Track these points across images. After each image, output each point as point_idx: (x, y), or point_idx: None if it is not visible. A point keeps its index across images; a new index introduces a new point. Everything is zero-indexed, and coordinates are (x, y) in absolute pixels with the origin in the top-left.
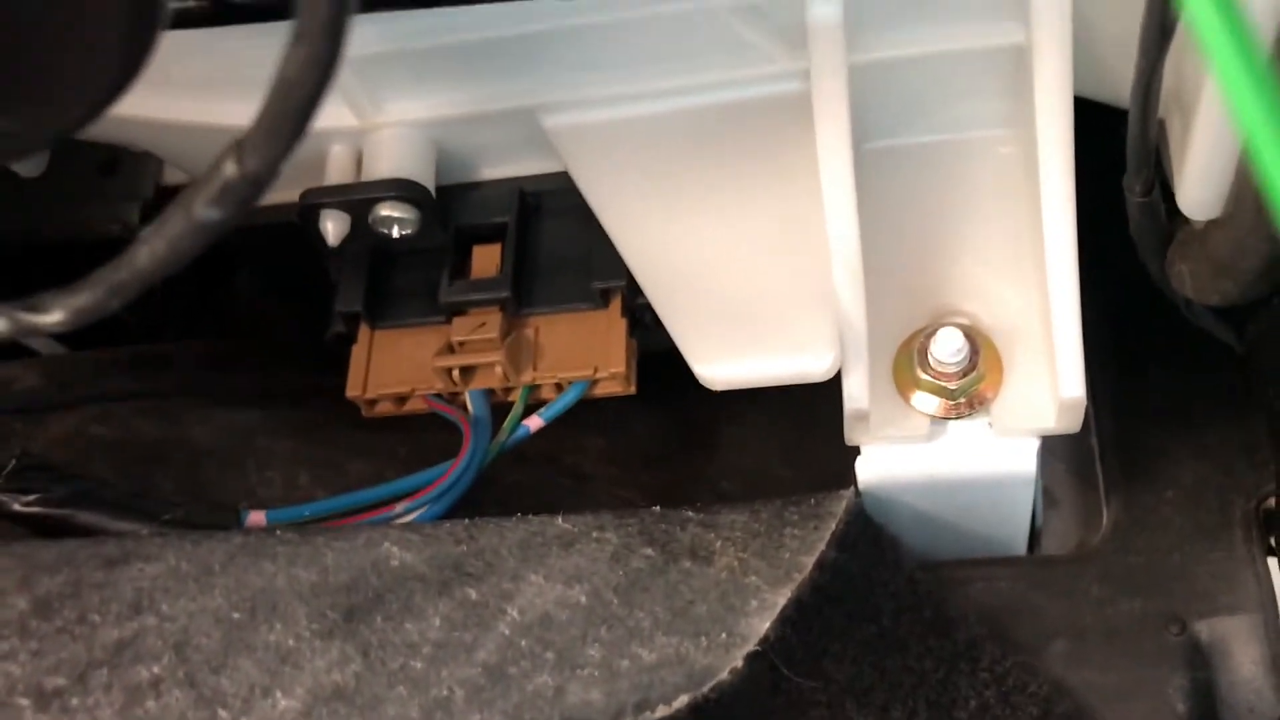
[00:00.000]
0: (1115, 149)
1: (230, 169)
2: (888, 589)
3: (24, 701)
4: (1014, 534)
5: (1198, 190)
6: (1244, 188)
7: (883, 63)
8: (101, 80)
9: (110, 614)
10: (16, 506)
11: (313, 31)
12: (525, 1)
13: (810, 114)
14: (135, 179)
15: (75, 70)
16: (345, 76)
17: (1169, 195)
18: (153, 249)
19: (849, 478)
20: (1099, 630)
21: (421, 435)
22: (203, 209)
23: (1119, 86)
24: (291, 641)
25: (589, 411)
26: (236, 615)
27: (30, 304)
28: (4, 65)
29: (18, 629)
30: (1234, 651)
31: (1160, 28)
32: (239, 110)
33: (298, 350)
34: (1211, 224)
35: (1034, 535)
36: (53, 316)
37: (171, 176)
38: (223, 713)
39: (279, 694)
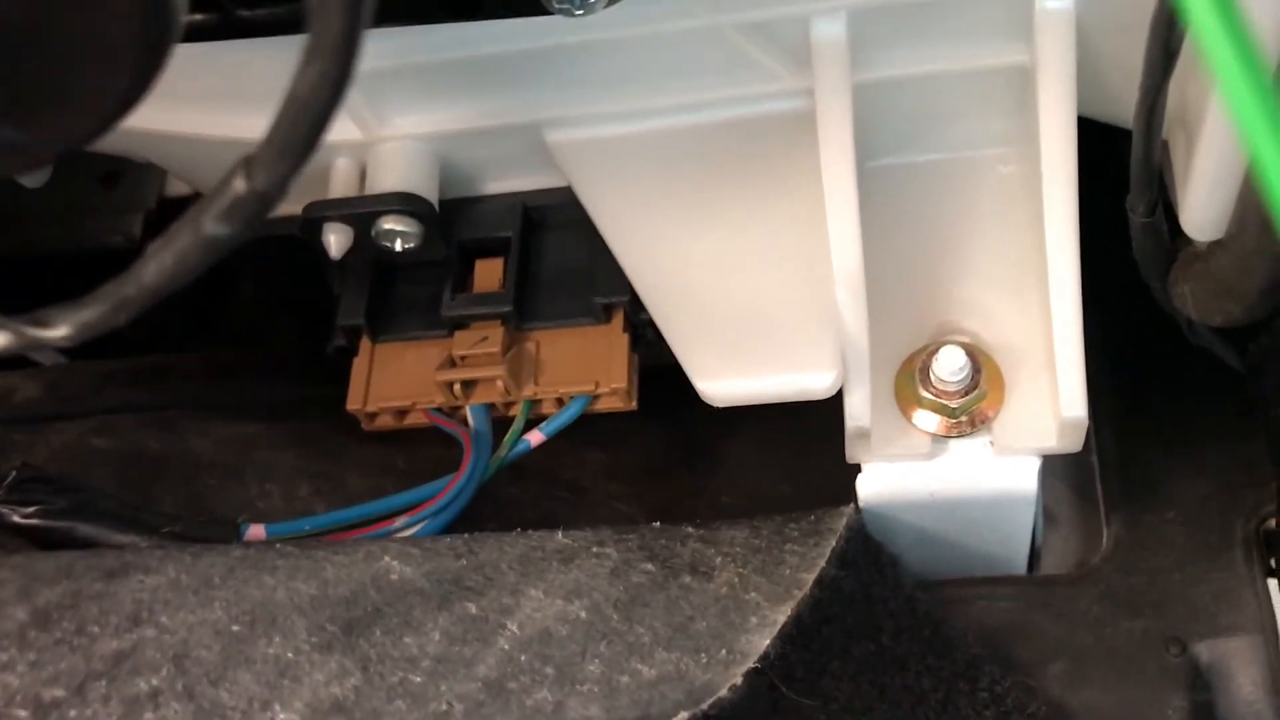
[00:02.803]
0: (1117, 168)
1: (239, 185)
2: (887, 607)
3: (22, 713)
4: (1014, 553)
5: (1201, 211)
6: (1247, 208)
7: (887, 81)
8: (114, 93)
9: (109, 625)
10: (16, 518)
11: (325, 49)
12: (530, 18)
13: (814, 131)
14: (137, 191)
15: (88, 82)
16: (350, 91)
17: (1171, 216)
18: (160, 264)
19: (849, 494)
20: (1099, 650)
21: (420, 449)
22: (211, 224)
23: (1121, 107)
24: (290, 655)
25: (588, 426)
26: (236, 628)
27: (36, 318)
28: (15, 75)
29: (16, 640)
30: (1234, 673)
31: (1165, 49)
32: (245, 123)
33: (298, 362)
34: (1215, 244)
35: (1034, 554)
36: (58, 331)
37: (174, 188)
38: None
39: (277, 707)
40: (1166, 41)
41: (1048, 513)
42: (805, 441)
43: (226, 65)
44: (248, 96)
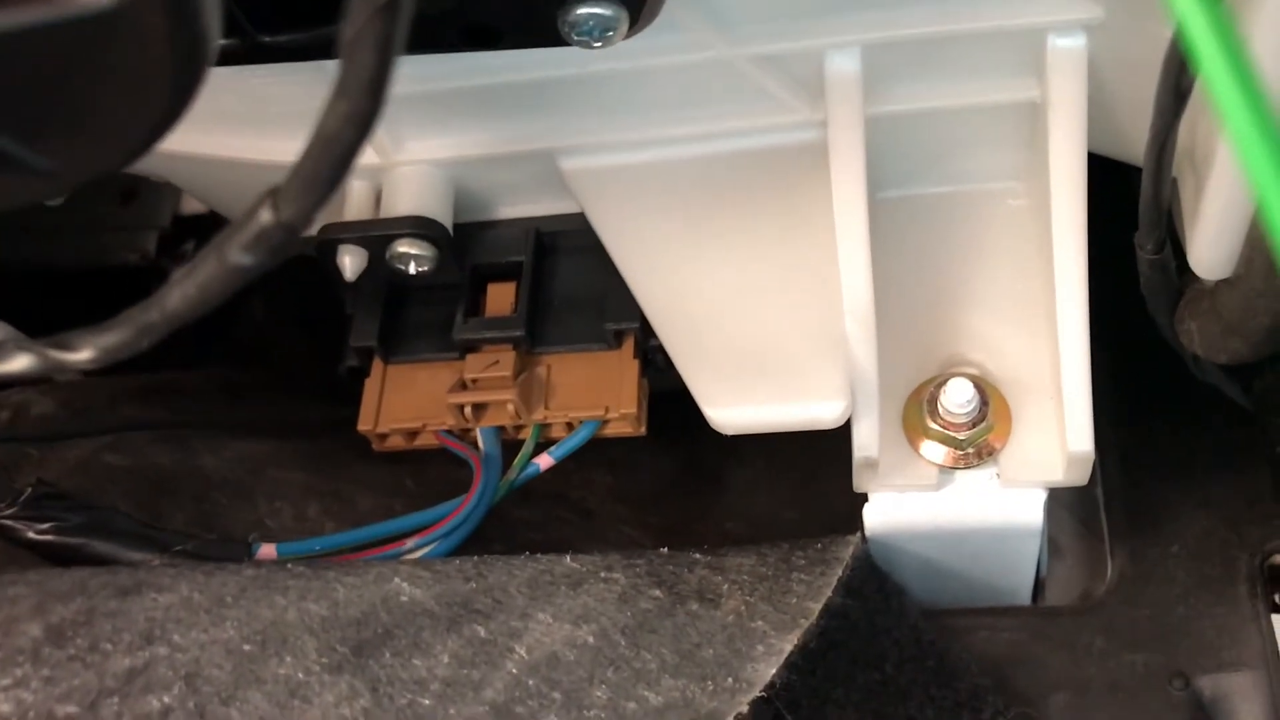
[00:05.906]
0: (1125, 203)
1: (265, 216)
2: (891, 636)
3: None
4: (1019, 583)
5: (1209, 250)
6: (1255, 249)
7: (899, 115)
8: (147, 120)
9: (122, 643)
10: (31, 534)
11: (355, 88)
12: (548, 48)
13: (825, 163)
14: (153, 209)
15: (119, 112)
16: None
17: (1179, 252)
18: (184, 291)
19: (855, 521)
20: (1102, 683)
21: (430, 469)
22: (236, 254)
23: (1131, 144)
24: (301, 675)
25: (597, 449)
26: (247, 647)
27: (59, 341)
28: (45, 104)
29: (31, 656)
30: (1237, 708)
31: (1176, 91)
32: (263, 145)
33: (309, 382)
34: (1222, 283)
35: (1038, 584)
36: (82, 355)
37: (188, 207)
38: None
39: None
40: (1178, 83)
41: (1052, 544)
42: (811, 470)
43: (246, 88)
44: (266, 119)
